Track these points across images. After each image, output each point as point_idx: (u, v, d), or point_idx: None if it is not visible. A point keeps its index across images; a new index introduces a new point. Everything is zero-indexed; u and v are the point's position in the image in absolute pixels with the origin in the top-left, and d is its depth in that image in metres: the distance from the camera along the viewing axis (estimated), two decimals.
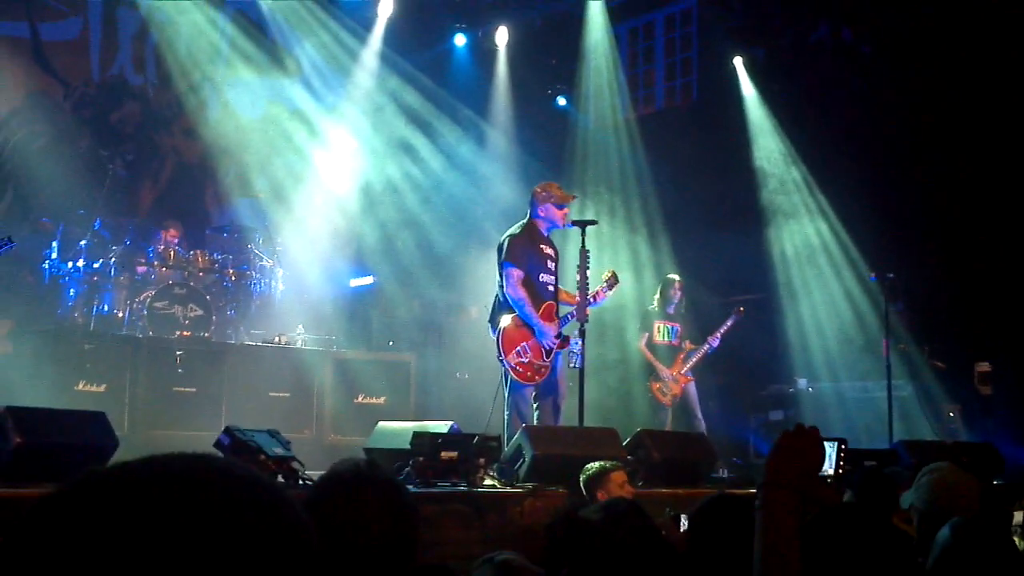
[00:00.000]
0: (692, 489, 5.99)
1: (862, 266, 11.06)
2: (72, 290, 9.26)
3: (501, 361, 7.15)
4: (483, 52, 13.55)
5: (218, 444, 5.03)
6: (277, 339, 9.72)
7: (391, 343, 10.88)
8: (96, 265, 9.24)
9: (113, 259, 9.30)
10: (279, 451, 5.09)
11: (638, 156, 13.21)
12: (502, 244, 7.41)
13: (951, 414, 9.91)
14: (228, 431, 5.13)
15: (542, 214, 7.50)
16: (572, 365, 7.26)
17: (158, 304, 9.06)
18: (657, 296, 10.16)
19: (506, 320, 7.21)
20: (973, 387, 9.76)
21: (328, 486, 2.18)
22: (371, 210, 12.56)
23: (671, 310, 10.02)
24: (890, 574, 2.59)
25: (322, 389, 9.23)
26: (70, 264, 9.23)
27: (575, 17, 13.40)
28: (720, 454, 7.90)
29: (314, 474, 4.93)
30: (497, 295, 7.41)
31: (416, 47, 13.03)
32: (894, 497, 4.25)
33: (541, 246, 7.45)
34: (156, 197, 12.11)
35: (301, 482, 4.94)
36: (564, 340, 7.26)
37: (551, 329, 7.21)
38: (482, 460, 5.68)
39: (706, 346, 9.84)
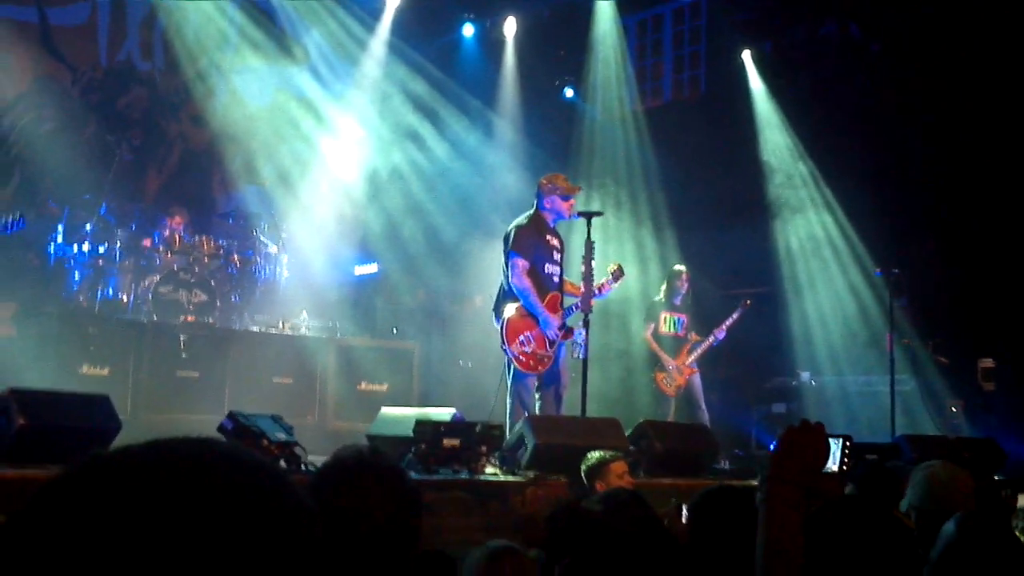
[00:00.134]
0: (694, 480, 6.00)
1: (867, 261, 11.05)
2: (77, 274, 9.28)
3: (504, 350, 7.17)
4: (491, 42, 13.53)
5: (221, 429, 5.04)
6: (281, 325, 9.73)
7: (395, 331, 10.89)
8: (101, 249, 9.26)
9: (118, 244, 9.31)
10: (282, 436, 5.11)
11: (645, 149, 13.19)
12: (508, 234, 7.42)
13: (954, 409, 9.91)
14: (231, 416, 5.15)
15: (548, 206, 7.51)
16: (576, 356, 7.27)
17: (163, 289, 9.08)
18: (664, 287, 10.15)
19: (510, 309, 7.23)
20: (976, 383, 9.75)
21: (331, 472, 2.19)
22: (377, 198, 12.57)
23: (677, 301, 10.02)
24: (892, 566, 2.59)
25: (325, 375, 9.26)
26: (75, 248, 9.24)
27: (583, 8, 13.37)
28: (722, 446, 7.91)
29: (316, 460, 4.95)
30: (502, 284, 7.43)
31: (424, 36, 13.01)
32: (896, 491, 4.25)
33: (547, 237, 7.47)
34: (162, 183, 12.12)
35: (303, 468, 4.95)
36: (568, 331, 7.28)
37: (555, 319, 7.22)
38: (484, 448, 5.70)
39: (712, 338, 9.84)
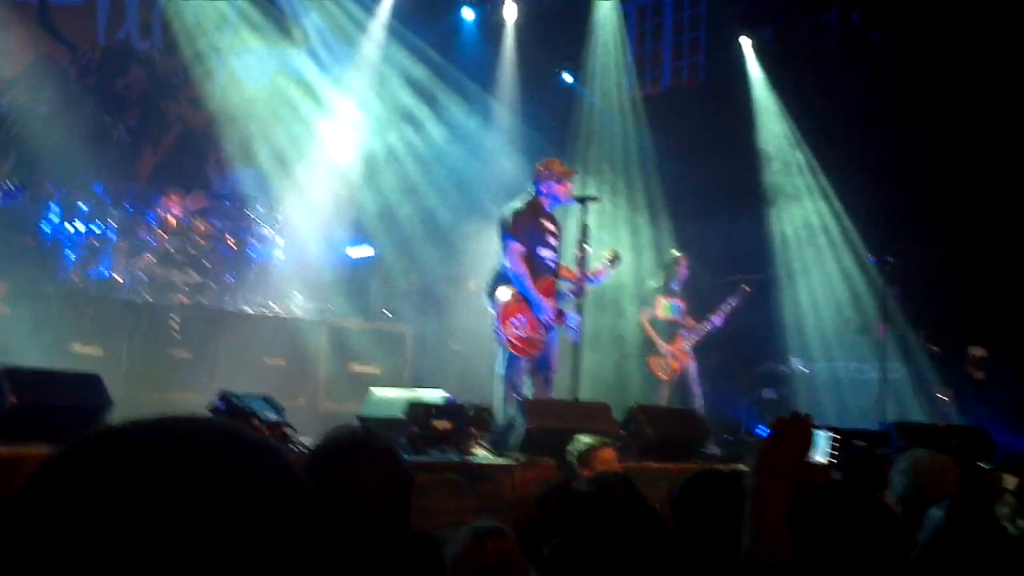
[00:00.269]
0: (684, 465, 6.01)
1: (861, 249, 11.06)
2: (71, 253, 9.27)
3: (497, 333, 7.18)
4: (490, 27, 13.49)
5: (213, 408, 5.06)
6: (274, 307, 9.73)
7: (388, 313, 10.89)
8: (96, 229, 9.25)
9: (113, 224, 9.30)
10: (273, 417, 5.13)
11: (643, 135, 13.18)
12: (505, 218, 7.43)
13: (944, 398, 9.93)
14: (223, 396, 5.16)
15: (545, 191, 7.53)
16: (569, 340, 7.30)
17: (157, 270, 9.09)
18: (663, 272, 10.09)
19: (505, 293, 7.24)
20: (967, 372, 9.77)
21: (326, 453, 2.19)
22: (373, 181, 12.54)
23: (675, 286, 9.91)
24: (879, 551, 2.61)
25: (317, 357, 9.26)
26: (70, 228, 9.23)
27: None
28: (712, 431, 7.93)
29: (308, 440, 4.96)
30: (496, 268, 7.43)
31: (424, 20, 12.96)
32: (883, 477, 4.27)
33: (543, 221, 7.48)
34: (158, 163, 12.09)
35: (294, 448, 4.96)
36: (561, 315, 7.29)
37: (549, 304, 7.24)
38: (475, 431, 5.71)
39: (709, 324, 9.75)
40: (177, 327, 8.53)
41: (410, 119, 12.82)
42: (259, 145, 12.05)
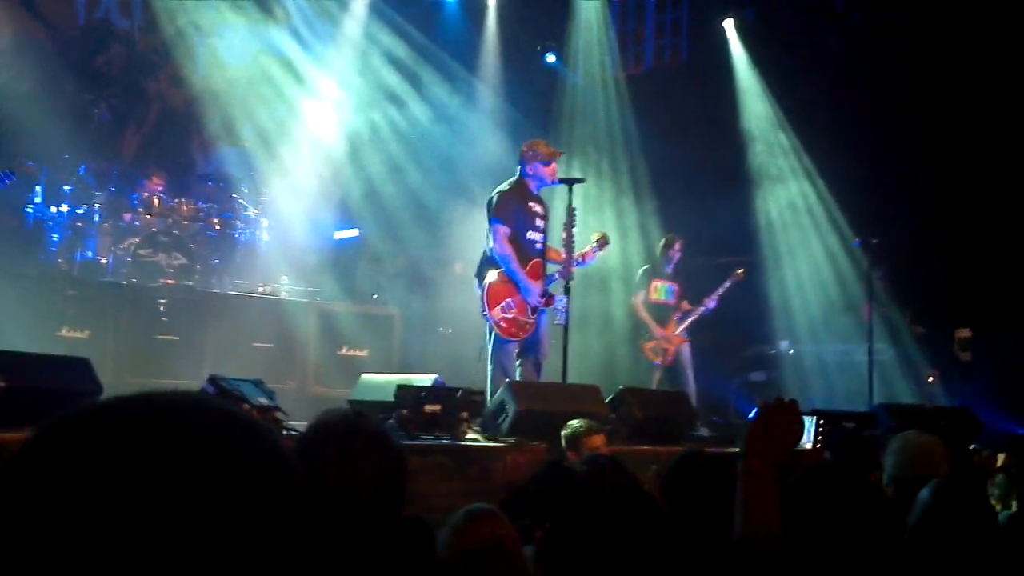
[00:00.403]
0: (673, 447, 6.04)
1: (846, 231, 11.10)
2: (55, 235, 9.21)
3: (485, 316, 7.16)
4: (473, 5, 13.41)
5: (202, 392, 5.04)
6: (261, 289, 9.70)
7: (375, 296, 10.86)
8: (80, 211, 9.18)
9: (97, 205, 9.23)
10: (263, 401, 5.12)
11: (626, 116, 13.16)
12: (491, 200, 7.40)
13: (930, 379, 10.00)
14: (213, 380, 5.15)
15: (530, 172, 7.50)
16: (557, 322, 7.29)
17: (142, 252, 9.03)
18: (657, 254, 9.98)
19: (492, 276, 7.21)
20: (953, 352, 9.84)
21: (318, 436, 2.19)
22: (357, 162, 12.48)
23: (669, 269, 9.79)
24: (869, 532, 2.63)
25: (306, 340, 9.24)
26: (54, 209, 9.16)
27: None
28: (701, 413, 7.97)
29: (298, 425, 4.96)
30: (484, 250, 7.40)
31: None
32: (872, 458, 4.31)
33: (530, 204, 7.44)
34: (141, 143, 12.00)
35: (284, 432, 4.96)
36: (549, 298, 7.28)
37: (537, 286, 7.22)
38: (465, 414, 5.72)
39: (702, 307, 9.63)
40: (163, 310, 8.50)
41: (393, 98, 12.75)
42: (242, 124, 11.97)
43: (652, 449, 5.98)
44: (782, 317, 11.56)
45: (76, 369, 4.98)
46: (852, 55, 11.37)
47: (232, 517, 0.82)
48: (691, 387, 9.42)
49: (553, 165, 7.53)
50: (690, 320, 9.68)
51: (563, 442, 5.24)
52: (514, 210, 7.31)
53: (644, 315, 9.69)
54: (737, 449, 2.51)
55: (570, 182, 7.37)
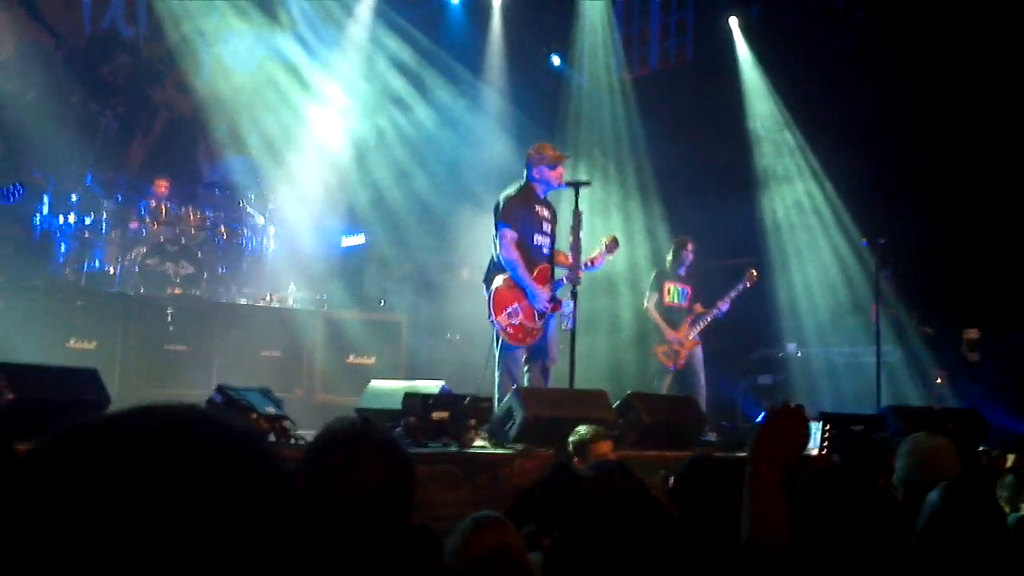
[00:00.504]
0: (681, 452, 6.01)
1: (854, 231, 11.07)
2: (63, 246, 9.23)
3: (492, 322, 7.15)
4: (478, 8, 13.41)
5: (210, 402, 5.05)
6: (269, 298, 9.70)
7: (383, 303, 10.86)
8: (87, 221, 9.21)
9: (104, 215, 9.26)
10: (271, 410, 5.11)
11: (632, 117, 13.14)
12: (498, 204, 7.38)
13: (939, 380, 9.96)
14: (220, 389, 5.15)
15: (537, 176, 7.47)
16: (564, 327, 7.26)
17: (150, 261, 9.05)
18: (669, 257, 9.83)
19: (498, 281, 7.19)
20: (961, 353, 9.81)
21: (326, 445, 2.18)
22: (364, 168, 12.50)
23: (683, 271, 9.66)
24: (877, 535, 2.63)
25: (313, 348, 9.23)
26: (61, 219, 9.19)
27: None
28: (709, 418, 7.93)
29: (306, 433, 4.96)
30: (492, 256, 7.39)
31: (411, 2, 12.91)
32: (881, 461, 4.30)
33: (536, 208, 7.42)
34: (147, 152, 12.03)
35: (292, 441, 4.96)
36: (557, 303, 7.25)
37: (544, 291, 7.19)
38: (473, 421, 5.70)
39: (715, 310, 9.47)
40: (171, 320, 8.51)
41: (398, 103, 12.77)
42: (248, 131, 11.99)
43: (660, 454, 5.95)
44: (789, 319, 11.50)
45: (84, 380, 4.99)
46: (856, 53, 11.34)
47: (226, 527, 0.83)
48: (702, 391, 9.34)
49: (560, 168, 7.50)
50: (703, 323, 9.55)
51: (570, 448, 5.23)
52: (521, 215, 7.29)
53: (657, 318, 9.57)
54: (745, 454, 2.51)
55: (576, 185, 7.32)
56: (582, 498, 3.26)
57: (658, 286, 9.69)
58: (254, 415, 4.95)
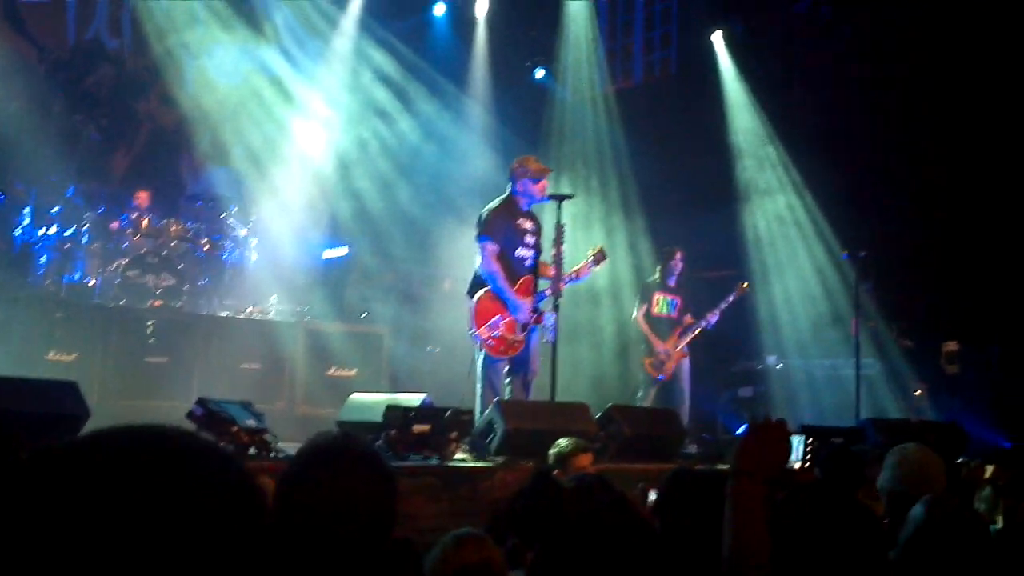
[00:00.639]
0: (662, 464, 6.02)
1: (834, 244, 11.12)
2: (44, 257, 9.17)
3: (473, 334, 7.15)
4: (462, 21, 13.44)
5: (191, 415, 5.02)
6: (250, 310, 9.66)
7: (364, 315, 10.83)
8: (68, 233, 9.16)
9: (86, 226, 9.21)
10: (252, 423, 5.10)
11: (615, 131, 13.19)
12: (480, 217, 7.41)
13: (918, 392, 10.01)
14: (201, 402, 5.12)
15: (520, 189, 7.49)
16: (545, 340, 7.27)
17: (130, 273, 9.01)
18: (658, 267, 9.87)
19: (481, 293, 7.21)
20: (940, 366, 9.86)
21: (309, 459, 2.18)
22: (346, 181, 12.49)
23: (672, 282, 9.68)
24: (856, 548, 2.64)
25: (294, 360, 9.18)
26: (42, 231, 9.14)
27: None
28: (689, 430, 7.95)
29: (287, 446, 4.95)
30: (476, 269, 7.39)
31: (395, 14, 12.91)
32: (860, 474, 4.31)
33: (519, 221, 7.43)
34: (130, 163, 11.98)
35: (273, 454, 4.94)
36: (539, 315, 7.26)
37: (526, 303, 7.19)
38: (454, 434, 5.69)
39: (704, 321, 9.51)
40: (152, 332, 8.46)
41: (382, 115, 12.77)
42: (232, 144, 11.96)
43: (641, 467, 5.96)
44: (770, 332, 11.54)
45: (64, 393, 4.95)
46: (838, 69, 11.42)
47: (197, 540, 0.85)
48: (686, 403, 9.36)
49: (543, 182, 7.52)
50: (692, 334, 9.56)
51: (551, 460, 5.23)
52: (502, 227, 7.30)
53: (645, 329, 9.57)
54: (726, 466, 2.52)
55: (559, 198, 7.34)
56: (563, 511, 3.26)
57: (646, 297, 9.71)
58: (235, 428, 4.93)
